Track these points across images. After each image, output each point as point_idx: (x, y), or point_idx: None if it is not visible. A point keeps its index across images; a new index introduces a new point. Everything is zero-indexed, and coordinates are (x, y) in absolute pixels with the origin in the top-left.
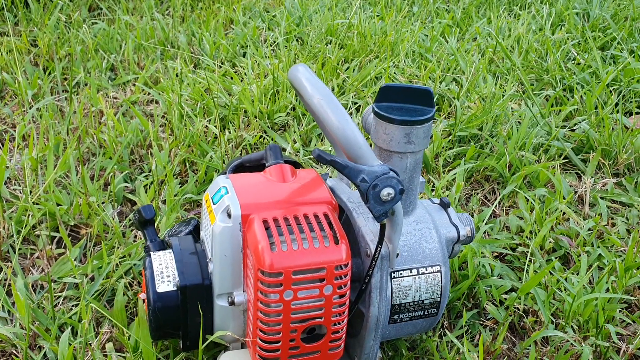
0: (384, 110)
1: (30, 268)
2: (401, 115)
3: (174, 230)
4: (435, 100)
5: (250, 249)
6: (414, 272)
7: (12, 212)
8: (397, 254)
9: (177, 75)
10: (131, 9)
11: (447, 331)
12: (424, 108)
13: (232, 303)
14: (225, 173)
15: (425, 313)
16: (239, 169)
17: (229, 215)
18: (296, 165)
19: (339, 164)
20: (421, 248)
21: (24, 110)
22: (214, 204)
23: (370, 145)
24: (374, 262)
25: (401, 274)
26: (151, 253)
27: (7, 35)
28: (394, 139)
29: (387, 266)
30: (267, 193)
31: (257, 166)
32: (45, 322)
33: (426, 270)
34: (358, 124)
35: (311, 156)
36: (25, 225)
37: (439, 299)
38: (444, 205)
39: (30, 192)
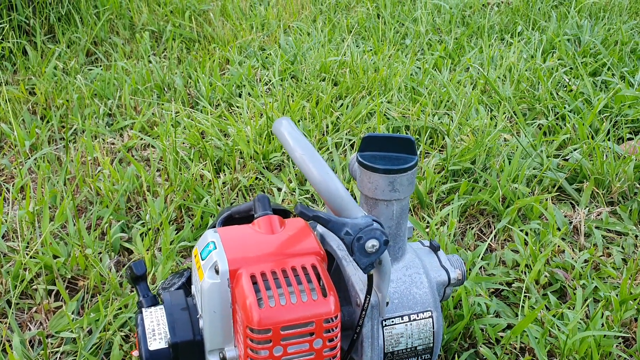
0: (367, 160)
1: (28, 323)
2: (384, 164)
3: (168, 282)
4: (427, 134)
5: (239, 304)
6: (405, 319)
7: (10, 266)
8: (387, 302)
9: (173, 118)
10: (128, 53)
11: None
12: (407, 156)
13: (223, 359)
14: (215, 226)
15: (419, 359)
16: (229, 221)
17: (217, 272)
18: (285, 214)
19: (322, 219)
20: (412, 294)
21: (21, 162)
22: (202, 260)
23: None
24: (364, 313)
25: (392, 321)
26: (143, 310)
27: (6, 84)
28: (379, 188)
29: (378, 315)
30: (255, 246)
31: (246, 217)
32: None
33: (417, 316)
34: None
35: (307, 195)
36: (22, 280)
37: (431, 345)
38: (434, 248)
39: (27, 245)
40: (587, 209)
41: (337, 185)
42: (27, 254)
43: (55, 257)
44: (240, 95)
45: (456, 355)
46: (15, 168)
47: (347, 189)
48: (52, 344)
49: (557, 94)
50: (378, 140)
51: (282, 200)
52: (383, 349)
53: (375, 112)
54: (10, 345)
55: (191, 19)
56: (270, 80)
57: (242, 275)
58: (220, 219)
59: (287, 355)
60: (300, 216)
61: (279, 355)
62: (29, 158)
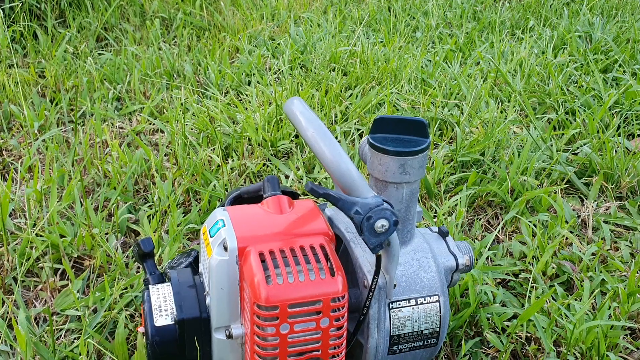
0: (378, 142)
1: (34, 300)
2: (396, 147)
3: (175, 261)
4: (437, 125)
5: (247, 281)
6: (413, 302)
7: (17, 244)
8: (395, 285)
9: (182, 105)
10: (138, 39)
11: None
12: (419, 139)
13: (229, 336)
14: (224, 205)
15: (425, 343)
16: (238, 200)
17: (226, 249)
18: (294, 195)
19: (332, 197)
20: (419, 278)
21: (30, 143)
22: (211, 237)
23: (368, 175)
24: (371, 294)
25: (399, 304)
26: (150, 286)
27: (16, 67)
28: (389, 170)
29: (385, 297)
30: (263, 225)
31: (255, 197)
32: (47, 355)
33: (424, 300)
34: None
35: (315, 182)
36: (29, 258)
37: (438, 329)
38: (442, 233)
39: (35, 224)
40: (596, 203)
41: (349, 165)
42: (33, 232)
43: (62, 236)
44: (249, 84)
45: (462, 343)
46: (23, 149)
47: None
48: (57, 321)
49: (568, 89)
50: (390, 122)
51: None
52: (389, 332)
53: (384, 102)
54: (17, 321)
55: (202, 8)
56: (279, 69)
57: (250, 252)
58: (229, 198)
59: (294, 333)
60: (310, 193)
61: (286, 333)
62: (38, 139)
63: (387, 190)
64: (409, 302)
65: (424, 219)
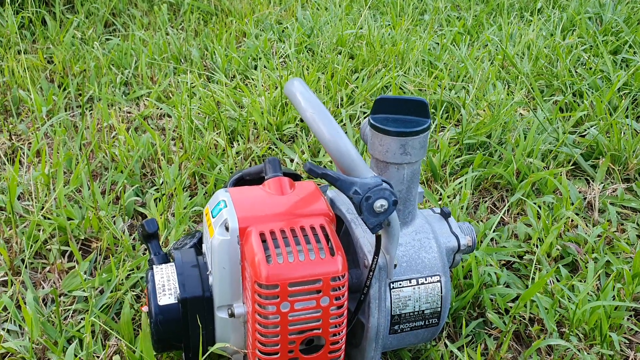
0: (379, 122)
1: (42, 282)
2: (396, 127)
3: (179, 243)
4: (444, 107)
5: (248, 261)
6: (414, 282)
7: (25, 227)
8: (395, 265)
9: (189, 89)
10: (146, 24)
11: (453, 340)
12: (420, 119)
13: (232, 315)
14: (226, 187)
15: (426, 323)
16: (240, 182)
17: (227, 229)
18: (296, 177)
19: (331, 177)
20: (420, 258)
21: (38, 127)
22: (213, 218)
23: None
24: (371, 274)
25: (400, 284)
26: (153, 266)
27: (25, 53)
28: (390, 150)
29: (386, 277)
30: (264, 206)
31: (257, 179)
32: (54, 335)
33: (425, 280)
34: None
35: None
36: (37, 240)
37: (439, 309)
38: (445, 214)
39: (42, 207)
40: (602, 185)
41: (347, 145)
42: (41, 215)
43: (69, 219)
44: (255, 68)
45: (464, 323)
46: (32, 133)
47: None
48: (64, 302)
49: (576, 71)
50: (391, 102)
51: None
52: (390, 311)
53: (390, 84)
54: (25, 302)
55: None
56: (286, 53)
57: (251, 232)
58: (231, 180)
59: (294, 311)
60: (309, 173)
61: (286, 312)
62: (46, 123)
63: (388, 171)
64: (410, 282)
65: (428, 201)
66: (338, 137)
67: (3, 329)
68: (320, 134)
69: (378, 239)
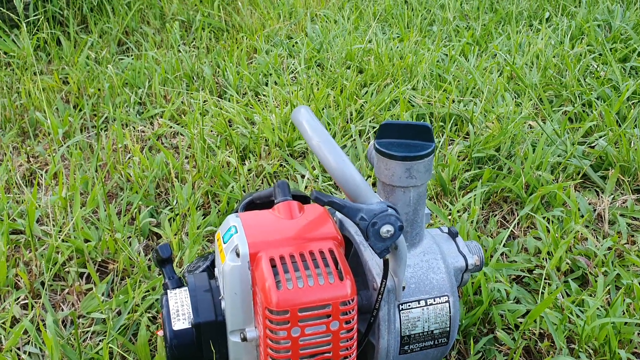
0: (384, 147)
1: (61, 304)
2: (401, 151)
3: (193, 265)
4: (452, 120)
5: (259, 287)
6: (422, 303)
7: (44, 249)
8: (404, 287)
9: (201, 107)
10: (158, 42)
11: (464, 356)
12: (424, 143)
13: (244, 339)
14: (237, 211)
15: (436, 343)
16: (250, 206)
17: (238, 255)
18: (305, 199)
19: (338, 205)
20: (429, 279)
21: (55, 150)
22: (224, 243)
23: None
24: (380, 297)
25: (409, 305)
26: (168, 291)
27: (41, 74)
28: (396, 174)
29: (394, 299)
30: (274, 231)
31: (267, 203)
32: (74, 357)
33: (434, 301)
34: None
35: (330, 182)
36: (56, 263)
37: (448, 329)
38: (452, 234)
39: (60, 230)
40: (612, 196)
41: (353, 172)
42: (59, 238)
43: (86, 241)
44: (266, 84)
45: (474, 340)
46: (49, 155)
47: (364, 176)
48: (83, 324)
49: (585, 80)
50: (395, 127)
51: (305, 187)
52: (400, 332)
53: (399, 99)
54: (44, 325)
55: (220, 9)
56: (296, 69)
57: (261, 258)
58: (242, 204)
59: (305, 336)
60: (315, 202)
61: (297, 336)
62: (62, 145)
63: (394, 194)
64: (419, 303)
65: (437, 217)
66: (343, 164)
67: (25, 352)
68: (326, 161)
69: (386, 263)
